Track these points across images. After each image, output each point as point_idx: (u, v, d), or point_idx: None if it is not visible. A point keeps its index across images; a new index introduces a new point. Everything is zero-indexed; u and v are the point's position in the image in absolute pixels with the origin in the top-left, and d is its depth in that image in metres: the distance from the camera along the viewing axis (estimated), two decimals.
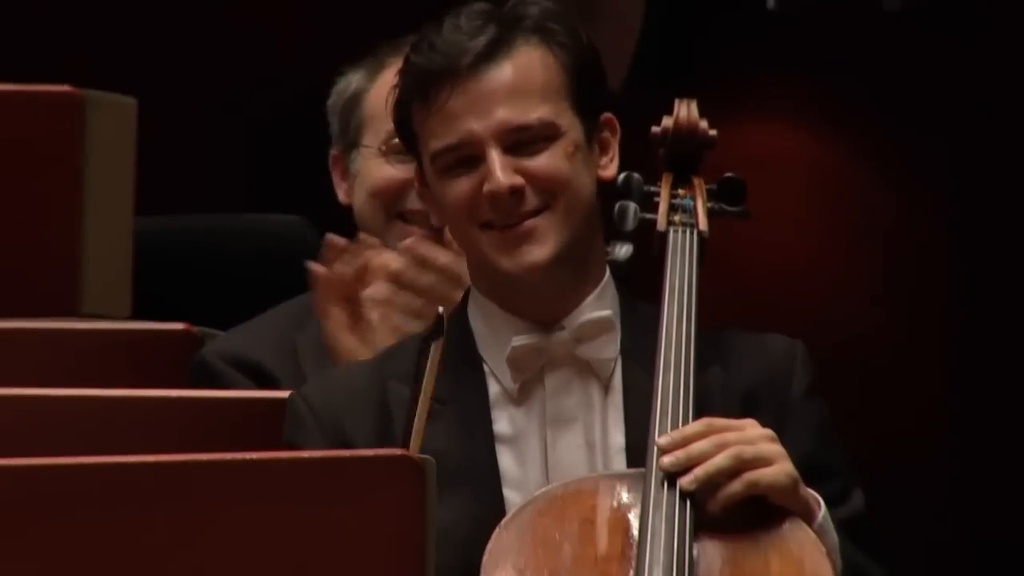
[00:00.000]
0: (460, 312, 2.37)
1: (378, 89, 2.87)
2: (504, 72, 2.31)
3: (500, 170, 2.18)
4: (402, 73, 2.35)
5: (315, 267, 2.72)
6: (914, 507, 4.00)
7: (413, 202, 2.73)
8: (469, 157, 2.22)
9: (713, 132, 2.36)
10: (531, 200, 2.21)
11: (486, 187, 2.19)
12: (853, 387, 3.80)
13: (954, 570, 4.19)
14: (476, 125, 2.25)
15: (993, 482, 4.43)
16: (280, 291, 2.95)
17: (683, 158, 2.35)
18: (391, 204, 2.81)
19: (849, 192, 4.55)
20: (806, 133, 4.21)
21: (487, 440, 2.35)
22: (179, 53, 4.81)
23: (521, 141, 2.23)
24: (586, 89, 2.29)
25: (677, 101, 2.37)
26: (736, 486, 2.11)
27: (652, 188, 2.30)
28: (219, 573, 1.81)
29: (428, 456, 1.84)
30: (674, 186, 2.32)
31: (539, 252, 2.23)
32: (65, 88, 2.87)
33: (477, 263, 2.35)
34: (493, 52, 2.30)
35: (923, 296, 4.43)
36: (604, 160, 2.30)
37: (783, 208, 4.06)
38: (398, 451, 1.86)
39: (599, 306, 2.28)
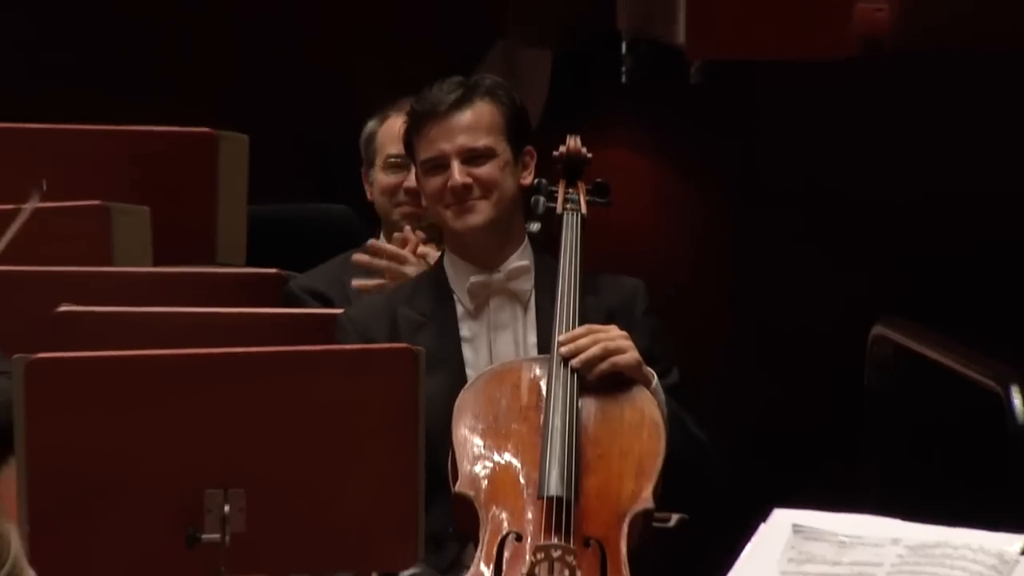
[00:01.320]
0: (439, 265, 3.51)
1: (384, 129, 4.07)
2: (465, 116, 3.44)
3: (458, 173, 3.32)
4: (408, 114, 3.47)
5: (356, 283, 3.93)
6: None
7: (401, 196, 3.97)
8: (441, 165, 3.36)
9: (590, 154, 3.47)
10: (475, 191, 3.35)
11: (450, 183, 3.32)
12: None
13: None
14: (446, 146, 3.40)
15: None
16: (334, 253, 4.20)
17: (572, 170, 3.46)
18: (391, 197, 3.98)
19: (671, 195, 5.96)
20: (646, 155, 5.89)
21: (455, 341, 3.48)
22: (272, 96, 6.06)
23: (472, 157, 3.38)
24: (516, 129, 3.42)
25: (568, 136, 3.47)
26: (604, 365, 3.19)
27: (553, 188, 3.42)
28: (287, 430, 2.88)
29: (421, 348, 2.97)
30: (567, 187, 3.44)
31: (475, 219, 3.36)
32: (205, 130, 4.15)
33: (446, 229, 3.47)
34: (460, 104, 3.44)
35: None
36: (524, 173, 3.44)
37: (631, 205, 5.45)
38: (402, 346, 3.01)
39: (521, 259, 3.42)
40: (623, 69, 5.56)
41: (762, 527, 2.19)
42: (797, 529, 2.18)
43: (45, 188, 3.55)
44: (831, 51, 5.54)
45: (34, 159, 4.27)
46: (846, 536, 2.18)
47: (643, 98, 5.64)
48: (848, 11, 5.54)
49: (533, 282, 3.53)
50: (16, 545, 2.03)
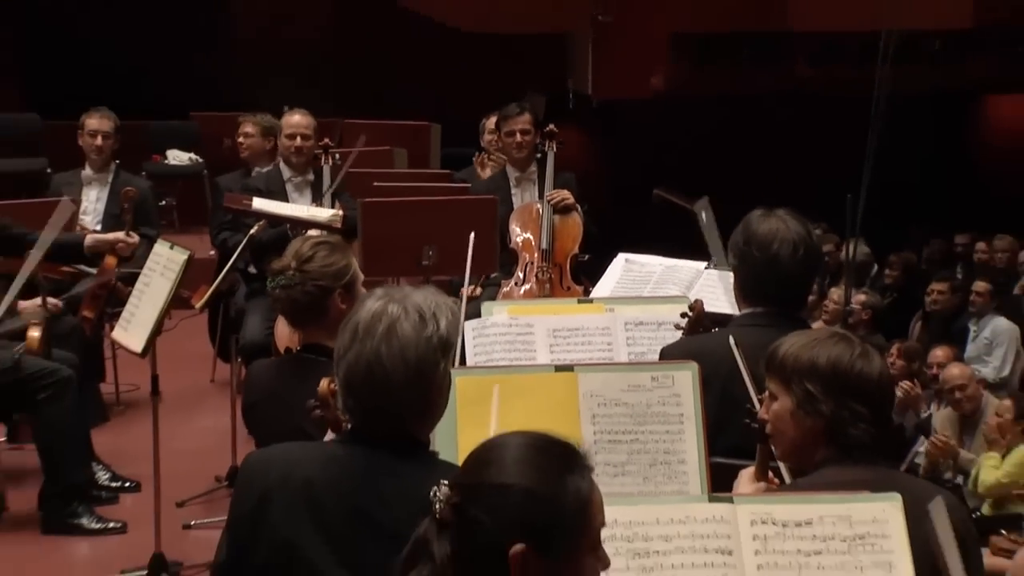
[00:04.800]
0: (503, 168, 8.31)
1: (487, 124, 9.09)
2: (524, 117, 7.81)
3: (519, 136, 7.78)
4: (499, 116, 8.17)
5: None
6: None
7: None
8: (512, 133, 7.81)
9: (557, 130, 8.14)
10: (524, 147, 7.82)
11: (516, 140, 7.80)
12: None
13: None
14: (515, 127, 7.78)
15: None
16: None
17: (547, 136, 7.83)
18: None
19: (593, 153, 11.80)
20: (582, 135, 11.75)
21: (508, 197, 7.76)
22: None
23: (524, 132, 7.74)
24: (539, 124, 7.88)
25: (550, 126, 8.10)
26: (562, 204, 7.55)
27: (541, 143, 7.91)
28: None
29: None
30: (546, 142, 7.82)
31: (522, 154, 7.93)
32: (424, 122, 9.50)
33: (511, 157, 8.01)
34: (520, 112, 7.83)
35: None
36: (537, 138, 7.94)
37: (575, 154, 11.77)
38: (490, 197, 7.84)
39: (532, 167, 7.90)
40: (570, 99, 11.77)
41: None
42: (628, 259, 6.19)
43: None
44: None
45: None
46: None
47: (577, 113, 11.33)
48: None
49: (536, 175, 7.84)
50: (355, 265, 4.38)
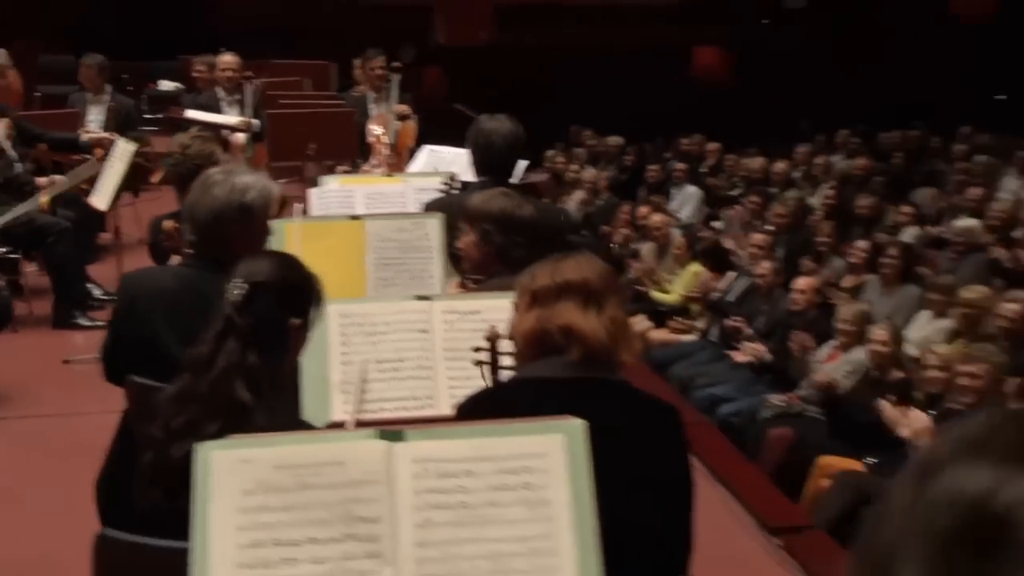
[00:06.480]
0: None
1: (356, 63, 9.36)
2: (379, 60, 8.29)
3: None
4: (363, 58, 8.78)
5: None
6: None
7: None
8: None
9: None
10: None
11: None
12: None
13: None
14: (375, 65, 8.59)
15: None
16: None
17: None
18: None
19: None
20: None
21: (367, 110, 8.64)
22: None
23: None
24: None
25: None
26: (406, 112, 8.41)
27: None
28: None
29: None
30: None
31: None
32: (327, 62, 9.74)
33: None
34: (377, 55, 8.72)
35: None
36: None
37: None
38: None
39: None
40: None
41: None
42: None
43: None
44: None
45: None
46: None
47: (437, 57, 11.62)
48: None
49: (387, 95, 8.49)
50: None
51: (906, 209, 9.29)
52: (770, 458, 5.98)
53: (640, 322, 8.19)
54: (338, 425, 2.83)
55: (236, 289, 2.37)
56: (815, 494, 5.53)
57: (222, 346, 2.34)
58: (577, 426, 1.90)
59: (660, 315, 8.24)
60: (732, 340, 7.37)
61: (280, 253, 2.56)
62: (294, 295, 2.41)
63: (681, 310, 8.24)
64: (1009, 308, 6.21)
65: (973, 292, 6.51)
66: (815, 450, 5.77)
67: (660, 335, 8.06)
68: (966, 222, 8.45)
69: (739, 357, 7.23)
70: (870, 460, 5.63)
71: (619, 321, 2.45)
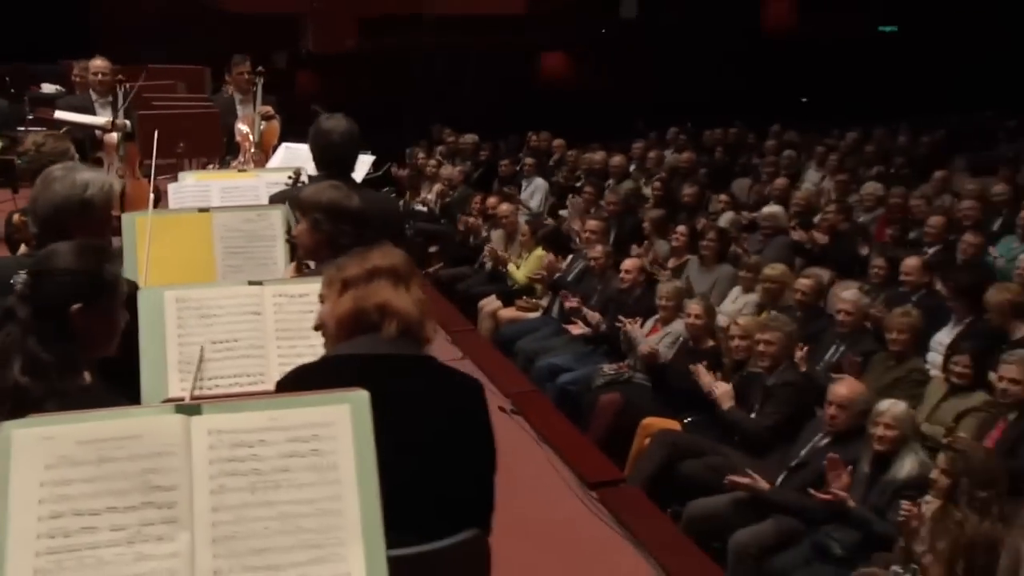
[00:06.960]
0: None
1: (228, 67, 9.21)
2: (245, 65, 8.22)
3: None
4: (231, 63, 8.52)
5: None
6: None
7: None
8: None
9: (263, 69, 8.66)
10: None
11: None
12: None
13: None
14: (241, 69, 8.36)
15: None
16: None
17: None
18: None
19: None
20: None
21: (234, 110, 8.49)
22: None
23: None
24: None
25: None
26: (270, 112, 8.14)
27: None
28: None
29: None
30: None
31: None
32: (201, 66, 9.28)
33: None
34: (243, 61, 8.40)
35: None
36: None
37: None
38: None
39: None
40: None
41: None
42: None
43: None
44: None
45: None
46: None
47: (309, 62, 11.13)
48: None
49: (252, 97, 8.43)
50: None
51: (723, 197, 9.49)
52: (601, 421, 6.06)
53: (491, 302, 8.20)
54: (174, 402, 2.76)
55: (19, 279, 2.27)
56: (638, 452, 5.62)
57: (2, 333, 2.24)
58: (362, 397, 1.86)
59: (509, 295, 8.25)
60: (570, 316, 7.42)
61: (77, 243, 2.39)
62: (77, 282, 2.27)
63: (527, 290, 8.28)
64: (803, 283, 6.40)
65: (774, 269, 6.70)
66: (641, 413, 5.83)
67: (509, 313, 8.07)
68: (772, 208, 8.64)
69: (575, 331, 7.28)
70: (688, 419, 5.75)
71: (424, 301, 2.45)
